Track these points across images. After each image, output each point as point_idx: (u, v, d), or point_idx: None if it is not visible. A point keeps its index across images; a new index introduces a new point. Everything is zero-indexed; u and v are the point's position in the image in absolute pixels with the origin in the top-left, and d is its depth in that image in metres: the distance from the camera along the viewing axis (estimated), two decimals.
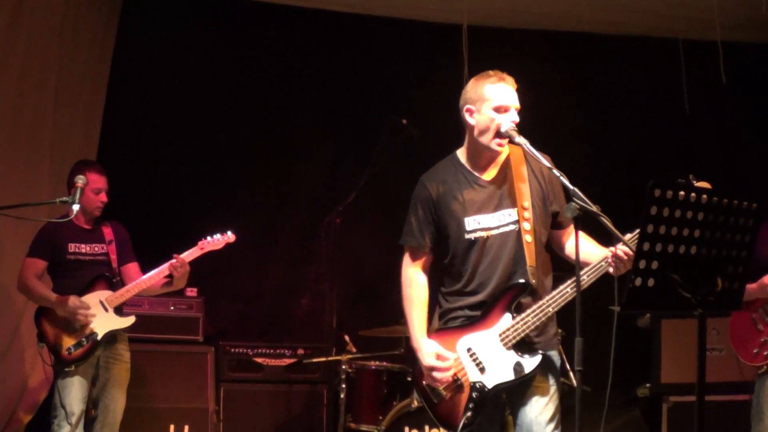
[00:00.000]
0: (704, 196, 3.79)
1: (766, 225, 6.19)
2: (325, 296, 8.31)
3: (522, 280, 4.77)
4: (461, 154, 4.98)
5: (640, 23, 8.77)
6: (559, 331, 6.47)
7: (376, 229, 8.53)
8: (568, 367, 6.62)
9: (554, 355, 4.92)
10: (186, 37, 8.54)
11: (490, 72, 4.86)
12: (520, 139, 4.69)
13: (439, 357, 4.78)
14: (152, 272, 6.72)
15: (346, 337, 7.54)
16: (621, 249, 4.52)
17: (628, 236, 4.50)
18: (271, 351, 8.16)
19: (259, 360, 8.12)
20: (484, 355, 4.79)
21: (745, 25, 8.56)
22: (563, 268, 4.95)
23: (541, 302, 4.74)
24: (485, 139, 4.82)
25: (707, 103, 9.07)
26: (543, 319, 4.75)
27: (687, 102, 8.87)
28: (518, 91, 4.85)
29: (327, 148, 9.06)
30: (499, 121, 4.76)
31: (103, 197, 6.75)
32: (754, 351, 6.23)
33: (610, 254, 4.58)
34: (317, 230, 8.25)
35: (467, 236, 4.83)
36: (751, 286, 6.02)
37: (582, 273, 4.59)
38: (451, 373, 4.77)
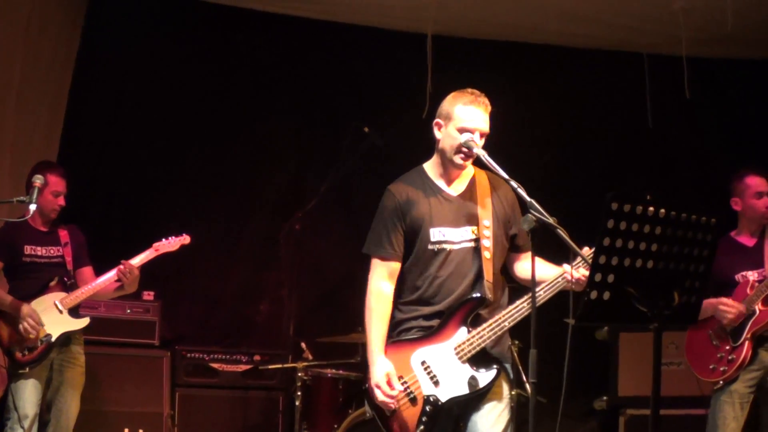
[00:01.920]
0: (662, 210, 3.76)
1: (723, 240, 6.28)
2: (284, 302, 8.25)
3: (478, 295, 4.77)
4: (429, 166, 5.00)
5: (606, 37, 8.77)
6: (516, 342, 6.48)
7: (337, 236, 8.50)
8: (524, 378, 6.61)
9: (508, 367, 4.89)
10: (152, 40, 8.44)
11: (469, 90, 4.87)
12: (479, 150, 4.71)
13: (389, 381, 4.73)
14: (103, 277, 6.64)
15: (303, 344, 7.51)
16: (579, 273, 4.53)
17: (586, 250, 4.48)
18: (228, 356, 8.08)
19: (215, 365, 8.04)
20: (438, 368, 4.75)
21: (710, 41, 8.58)
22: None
23: (497, 317, 4.73)
24: (448, 155, 4.84)
25: (671, 117, 9.07)
26: (499, 333, 4.73)
27: (651, 116, 8.88)
28: (490, 114, 4.85)
29: (292, 153, 8.99)
30: (461, 141, 4.77)
31: (62, 201, 6.68)
32: (710, 367, 6.25)
33: (565, 271, 4.58)
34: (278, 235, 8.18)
35: (431, 246, 4.83)
36: (708, 301, 6.04)
37: (539, 289, 4.61)
38: (392, 402, 4.71)
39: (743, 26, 8.03)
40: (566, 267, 4.61)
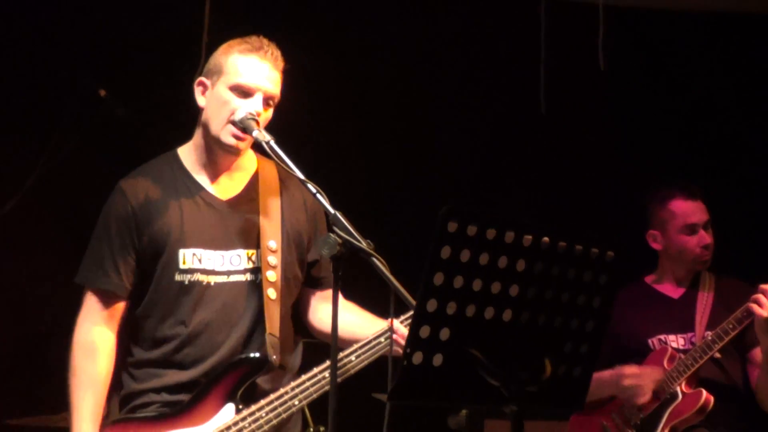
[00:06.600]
0: (528, 236, 3.72)
1: (635, 286, 6.47)
2: None
3: (256, 354, 4.83)
4: (185, 153, 5.10)
5: None
6: (321, 429, 6.61)
7: (49, 255, 8.35)
8: None
9: None
10: None
11: (253, 37, 4.99)
12: (260, 135, 4.76)
13: None
14: None
15: None
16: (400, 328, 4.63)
17: None
18: None
19: None
20: None
21: None
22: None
23: (281, 392, 4.82)
24: (215, 128, 4.90)
25: (575, 97, 9.21)
26: (284, 415, 4.82)
27: (544, 96, 9.03)
28: (286, 72, 5.02)
29: None
30: (234, 107, 4.85)
31: None
32: None
33: (388, 328, 4.68)
34: None
35: (179, 277, 4.90)
36: (601, 375, 6.12)
37: (349, 351, 4.78)
38: None
39: None
40: (396, 323, 4.70)
